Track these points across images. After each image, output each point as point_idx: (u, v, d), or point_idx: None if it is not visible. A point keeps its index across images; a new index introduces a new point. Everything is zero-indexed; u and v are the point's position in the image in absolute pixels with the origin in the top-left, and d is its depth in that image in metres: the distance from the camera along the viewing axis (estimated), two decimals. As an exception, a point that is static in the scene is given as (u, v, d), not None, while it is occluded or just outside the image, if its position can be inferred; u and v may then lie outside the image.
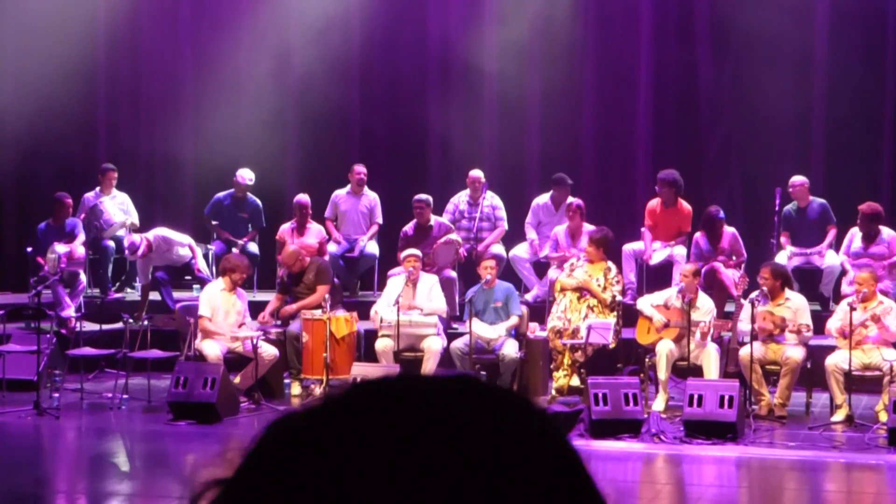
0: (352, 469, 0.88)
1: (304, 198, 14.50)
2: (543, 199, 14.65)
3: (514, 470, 0.89)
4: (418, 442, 0.89)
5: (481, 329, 12.40)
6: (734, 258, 13.40)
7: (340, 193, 15.12)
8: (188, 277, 14.58)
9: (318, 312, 12.57)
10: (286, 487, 0.89)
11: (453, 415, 0.91)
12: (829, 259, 13.64)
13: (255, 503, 0.90)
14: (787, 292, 11.99)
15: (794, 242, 13.82)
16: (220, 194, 15.27)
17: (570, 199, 14.17)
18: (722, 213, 13.49)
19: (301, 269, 13.22)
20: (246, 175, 15.18)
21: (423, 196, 14.33)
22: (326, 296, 12.72)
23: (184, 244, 14.40)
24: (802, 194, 13.89)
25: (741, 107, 15.26)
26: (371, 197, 15.13)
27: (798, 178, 13.95)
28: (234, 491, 0.91)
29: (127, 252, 14.44)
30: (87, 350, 13.05)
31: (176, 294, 14.36)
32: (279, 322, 13.10)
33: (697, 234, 13.59)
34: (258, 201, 15.26)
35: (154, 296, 14.51)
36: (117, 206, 15.31)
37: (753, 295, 11.86)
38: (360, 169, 15.08)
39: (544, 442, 0.93)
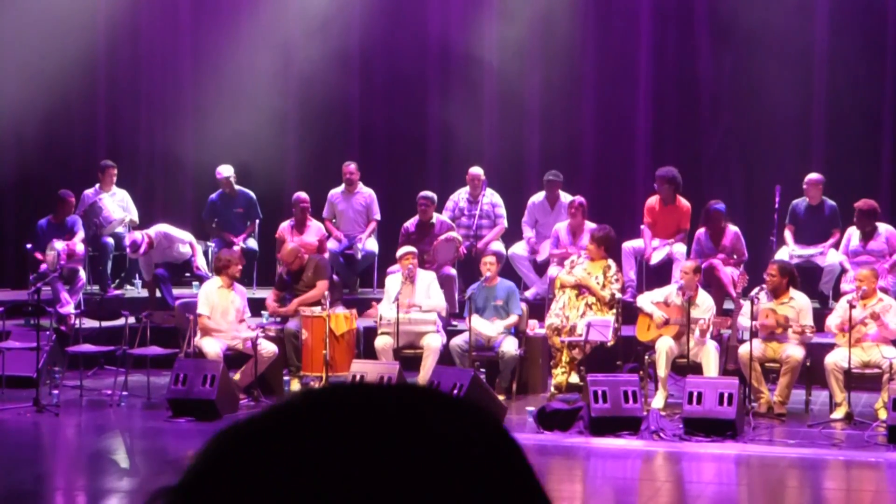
0: (295, 475, 0.88)
1: (302, 195, 14.49)
2: (538, 197, 14.65)
3: (461, 474, 0.89)
4: (362, 447, 0.89)
5: (480, 325, 12.40)
6: (734, 257, 13.39)
7: (336, 192, 15.10)
8: (188, 275, 14.60)
9: (317, 309, 12.56)
10: (229, 494, 0.89)
11: (400, 419, 0.91)
12: (830, 257, 13.63)
13: None
14: (792, 291, 11.97)
15: (798, 239, 13.80)
16: (213, 195, 15.28)
17: (573, 197, 14.16)
18: (721, 205, 13.45)
19: (300, 267, 13.22)
20: (223, 171, 15.14)
21: (428, 193, 14.32)
22: (326, 293, 12.71)
23: (185, 241, 14.41)
24: (817, 192, 13.86)
25: (741, 104, 15.25)
26: (366, 194, 15.08)
27: (814, 176, 13.92)
28: (180, 499, 0.92)
29: (128, 250, 14.43)
30: (87, 347, 13.04)
31: (175, 291, 14.36)
32: (279, 319, 13.09)
33: (700, 231, 13.58)
34: (250, 193, 15.24)
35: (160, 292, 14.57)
36: (117, 204, 15.28)
37: (754, 292, 11.86)
38: (350, 168, 15.00)
39: (492, 446, 0.93)
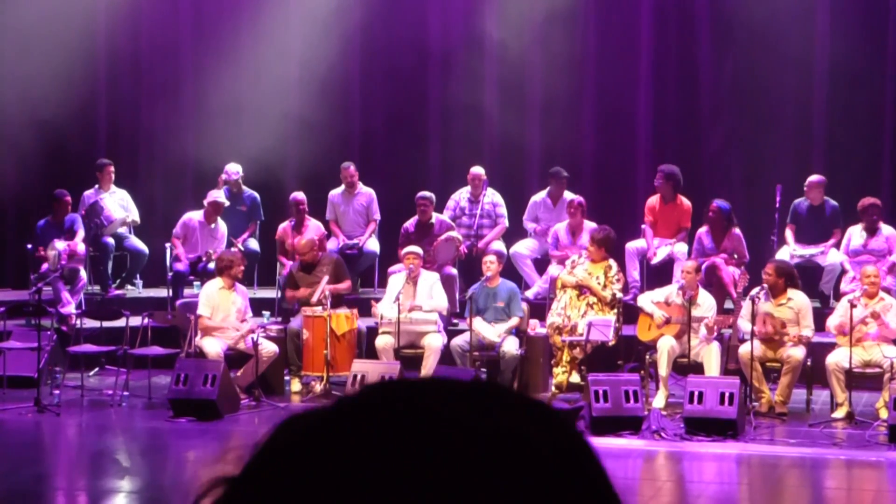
0: (364, 472, 0.85)
1: (299, 195, 14.48)
2: (541, 195, 14.65)
3: (534, 476, 0.87)
4: (434, 447, 0.86)
5: (482, 328, 12.40)
6: (735, 257, 13.37)
7: (336, 193, 15.08)
8: (191, 278, 14.65)
9: (318, 309, 12.57)
10: (296, 488, 0.86)
11: (472, 418, 0.88)
12: (831, 257, 13.62)
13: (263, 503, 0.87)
14: (790, 291, 11.93)
15: (799, 239, 13.80)
16: None
17: (571, 197, 14.17)
18: (724, 204, 13.39)
19: (314, 261, 13.20)
20: (231, 169, 15.18)
21: (426, 193, 14.32)
22: (327, 292, 12.72)
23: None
24: (818, 194, 13.86)
25: (742, 103, 15.25)
26: (366, 194, 15.06)
27: (816, 177, 13.93)
28: (242, 490, 0.88)
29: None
30: (88, 347, 13.05)
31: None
32: (279, 319, 13.10)
33: (701, 230, 13.56)
34: (255, 194, 15.25)
35: (161, 292, 14.55)
36: (117, 203, 15.27)
37: (754, 292, 11.85)
38: (350, 171, 14.96)
39: (566, 448, 0.90)
